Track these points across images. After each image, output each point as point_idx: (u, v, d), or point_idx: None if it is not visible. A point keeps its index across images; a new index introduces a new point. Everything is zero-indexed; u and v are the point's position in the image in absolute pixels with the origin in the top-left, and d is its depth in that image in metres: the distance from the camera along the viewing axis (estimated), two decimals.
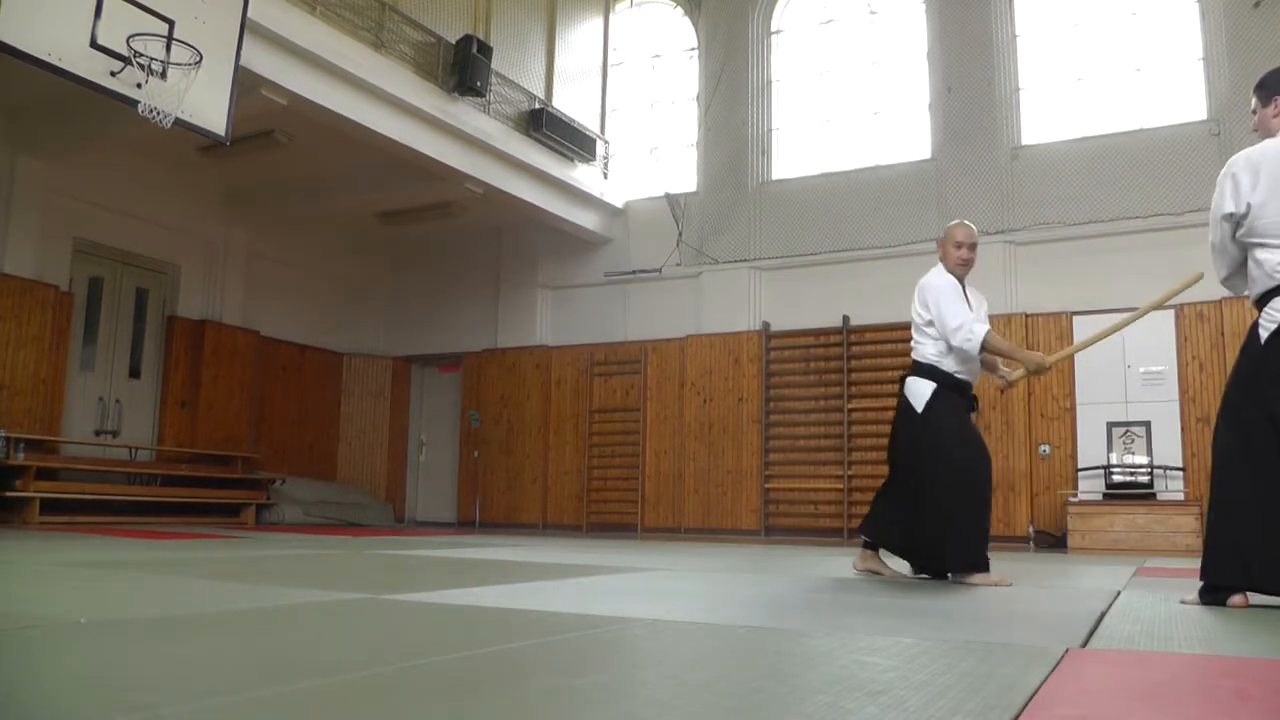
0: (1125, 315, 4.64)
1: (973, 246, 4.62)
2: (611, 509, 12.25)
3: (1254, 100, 3.56)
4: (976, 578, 4.25)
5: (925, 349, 4.56)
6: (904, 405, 4.58)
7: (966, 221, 4.71)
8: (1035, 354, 4.51)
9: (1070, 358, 4.65)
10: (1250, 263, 3.37)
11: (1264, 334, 3.30)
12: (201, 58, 7.34)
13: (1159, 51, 10.50)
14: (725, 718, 1.45)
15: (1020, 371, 4.54)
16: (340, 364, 13.94)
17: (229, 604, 2.98)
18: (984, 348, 4.39)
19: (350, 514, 12.53)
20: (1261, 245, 3.30)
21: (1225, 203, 3.37)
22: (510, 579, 4.20)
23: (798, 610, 3.14)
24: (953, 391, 4.50)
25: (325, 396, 13.67)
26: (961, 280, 4.62)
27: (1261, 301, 3.34)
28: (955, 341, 4.39)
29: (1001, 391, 4.86)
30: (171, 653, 2.00)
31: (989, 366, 4.66)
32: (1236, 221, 3.36)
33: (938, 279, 4.57)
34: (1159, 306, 4.56)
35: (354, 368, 14.04)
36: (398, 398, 14.19)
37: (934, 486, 4.35)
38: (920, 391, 4.51)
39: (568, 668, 1.94)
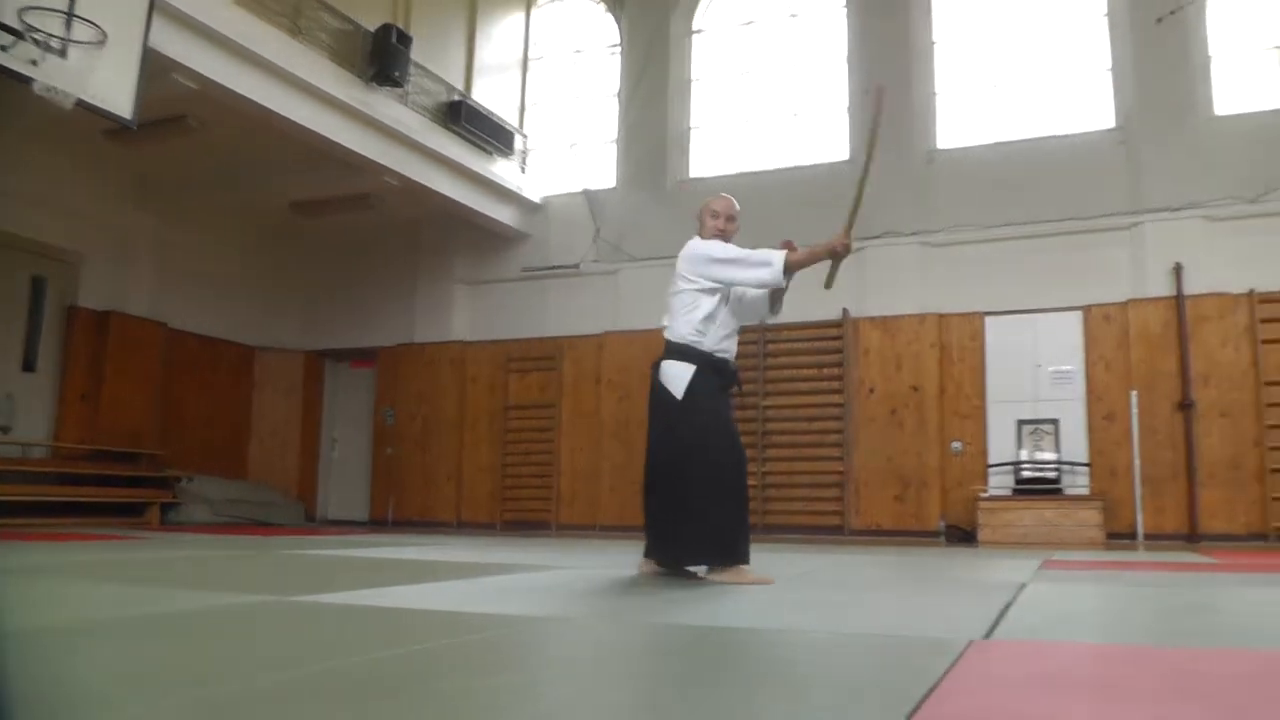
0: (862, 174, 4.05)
1: (731, 219, 4.31)
2: (526, 506, 12.16)
3: None
4: (730, 574, 3.91)
5: (680, 327, 4.19)
6: (659, 391, 4.18)
7: (725, 194, 4.45)
8: (829, 243, 4.00)
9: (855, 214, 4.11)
10: None
11: None
12: (106, 37, 7.07)
13: (1070, 61, 10.82)
14: (633, 715, 1.44)
15: (831, 266, 4.07)
16: (252, 358, 13.57)
17: (132, 609, 2.88)
18: (787, 269, 3.99)
19: (260, 513, 12.23)
20: None
21: None
22: (422, 578, 4.15)
23: (703, 606, 3.15)
24: (712, 372, 4.14)
25: (236, 392, 13.30)
26: None
27: None
28: (763, 276, 4.05)
29: (828, 288, 4.24)
30: (73, 661, 1.93)
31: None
32: None
33: (701, 243, 4.23)
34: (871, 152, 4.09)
35: (266, 362, 13.69)
36: (310, 393, 13.88)
37: (692, 478, 3.99)
38: (678, 375, 4.14)
39: (479, 668, 1.92)
